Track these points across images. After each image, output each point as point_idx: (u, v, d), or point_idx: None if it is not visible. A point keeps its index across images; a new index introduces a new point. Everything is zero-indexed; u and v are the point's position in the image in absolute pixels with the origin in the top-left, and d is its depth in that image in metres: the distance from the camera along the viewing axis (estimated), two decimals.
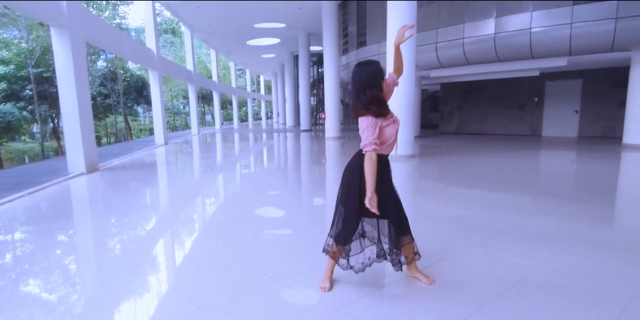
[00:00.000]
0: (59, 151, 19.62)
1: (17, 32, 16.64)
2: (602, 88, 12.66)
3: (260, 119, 50.66)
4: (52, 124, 21.01)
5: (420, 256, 2.40)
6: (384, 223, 2.28)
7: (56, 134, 21.35)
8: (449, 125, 16.89)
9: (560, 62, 9.83)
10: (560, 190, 5.36)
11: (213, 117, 42.24)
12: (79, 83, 7.05)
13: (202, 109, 42.66)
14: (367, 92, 2.08)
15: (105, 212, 4.76)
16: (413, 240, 2.36)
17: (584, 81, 13.00)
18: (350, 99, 2.27)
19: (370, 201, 2.04)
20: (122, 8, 23.08)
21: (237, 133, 21.29)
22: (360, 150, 2.17)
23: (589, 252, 2.84)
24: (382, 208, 2.12)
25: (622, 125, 10.12)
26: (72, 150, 7.28)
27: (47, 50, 17.68)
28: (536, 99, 14.16)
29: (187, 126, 38.69)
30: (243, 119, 45.11)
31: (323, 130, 17.93)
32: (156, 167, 9.04)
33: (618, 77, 11.87)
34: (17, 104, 15.95)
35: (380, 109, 2.10)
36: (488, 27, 9.73)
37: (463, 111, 16.35)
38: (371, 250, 2.34)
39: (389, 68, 2.54)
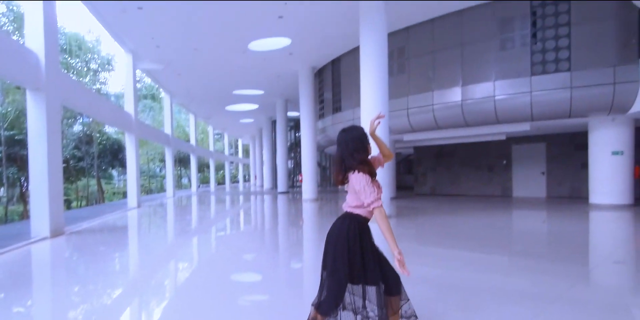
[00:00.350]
0: (24, 215, 18.69)
1: None
2: (565, 151, 13.34)
3: (237, 181, 50.42)
4: (19, 188, 20.21)
5: (417, 318, 2.24)
6: (372, 289, 2.15)
7: (24, 197, 20.45)
8: (423, 187, 17.16)
9: (524, 127, 10.41)
10: (535, 249, 5.37)
11: (189, 180, 41.85)
12: (51, 145, 6.93)
13: (179, 172, 42.31)
14: (355, 155, 2.11)
15: (67, 279, 4.40)
16: (408, 300, 2.23)
17: (547, 145, 13.70)
18: (333, 165, 2.27)
19: (399, 261, 1.98)
20: (103, 74, 23.71)
21: (214, 195, 20.96)
22: (344, 214, 2.14)
23: (570, 311, 2.77)
24: (365, 274, 2.05)
25: (587, 185, 10.52)
26: (37, 214, 6.92)
27: (22, 113, 17.59)
28: (504, 162, 14.72)
29: (162, 189, 37.92)
30: (220, 182, 44.75)
31: (300, 192, 17.90)
32: (126, 231, 8.64)
33: (579, 141, 12.57)
34: None
35: (371, 168, 2.12)
36: (455, 94, 10.38)
37: (436, 173, 16.76)
38: None
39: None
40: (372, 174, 2.13)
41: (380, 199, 2.07)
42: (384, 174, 8.27)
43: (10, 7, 16.75)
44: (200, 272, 4.60)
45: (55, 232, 7.06)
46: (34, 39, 6.71)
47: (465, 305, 2.96)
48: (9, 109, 17.33)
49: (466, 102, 10.19)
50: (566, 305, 2.89)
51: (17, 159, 17.76)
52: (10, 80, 6.98)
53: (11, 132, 17.10)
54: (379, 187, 2.15)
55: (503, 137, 12.08)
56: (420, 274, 4.01)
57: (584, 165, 11.32)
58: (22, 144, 17.15)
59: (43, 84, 6.74)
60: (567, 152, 13.30)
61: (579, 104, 9.05)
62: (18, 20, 15.96)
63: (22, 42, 6.88)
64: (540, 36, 9.37)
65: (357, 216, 2.16)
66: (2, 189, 19.24)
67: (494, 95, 9.75)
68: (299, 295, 2.98)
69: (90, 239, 7.14)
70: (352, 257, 2.05)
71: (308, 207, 12.39)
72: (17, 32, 16.53)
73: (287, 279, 4.25)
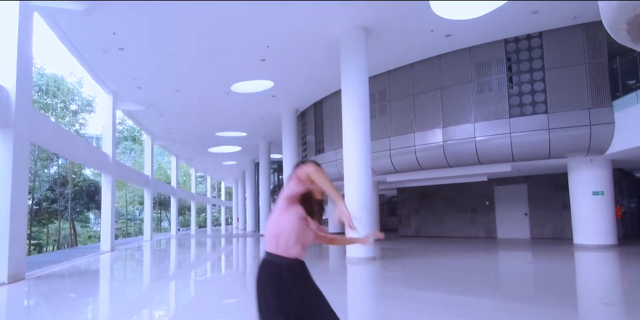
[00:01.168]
0: None
1: None
2: (545, 192, 13.40)
3: (219, 224, 49.17)
4: None
5: None
6: None
7: None
8: (407, 228, 16.87)
9: (505, 168, 10.45)
10: (522, 292, 5.18)
11: (170, 223, 40.65)
12: (15, 185, 6.57)
13: (159, 215, 41.16)
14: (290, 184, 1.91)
15: None
16: None
17: (528, 186, 13.77)
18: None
19: (342, 214, 1.69)
20: (83, 115, 23.48)
21: (194, 238, 20.19)
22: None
23: None
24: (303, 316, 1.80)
25: (569, 226, 10.44)
26: None
27: None
28: (487, 203, 14.67)
29: (141, 232, 36.60)
30: (202, 225, 43.54)
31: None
32: (95, 276, 8.06)
33: (559, 182, 12.67)
34: None
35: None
36: (436, 136, 10.46)
37: (420, 214, 16.56)
38: None
39: None
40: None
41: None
42: (367, 213, 8.09)
43: None
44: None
45: (15, 278, 6.53)
46: (5, 74, 6.55)
47: None
48: None
49: (447, 143, 10.25)
50: None
51: None
52: None
53: None
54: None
55: (485, 179, 12.11)
56: None
57: (565, 206, 11.31)
58: None
59: (12, 120, 6.50)
60: (548, 193, 13.35)
61: (557, 144, 9.17)
62: None
63: None
64: (516, 80, 9.69)
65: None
66: None
67: (475, 136, 9.85)
68: None
69: (53, 284, 6.62)
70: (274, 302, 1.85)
71: None
72: None
73: None
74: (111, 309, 5.02)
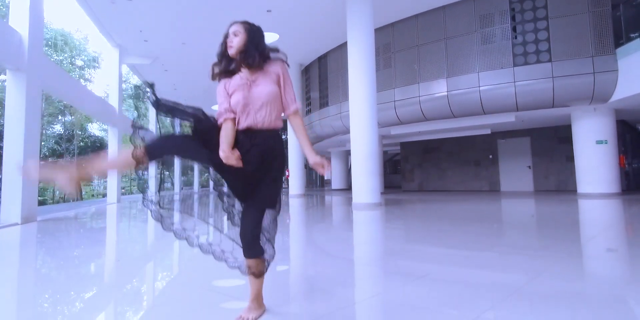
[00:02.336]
0: None
1: None
2: (549, 145, 13.55)
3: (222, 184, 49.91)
4: None
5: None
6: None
7: None
8: (411, 183, 17.22)
9: (509, 118, 10.54)
10: (522, 231, 5.35)
11: (172, 184, 41.17)
12: (28, 128, 6.74)
13: (161, 175, 41.61)
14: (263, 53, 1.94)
15: (36, 259, 4.24)
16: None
17: (532, 139, 13.91)
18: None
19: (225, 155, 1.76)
20: (89, 70, 23.29)
21: (197, 195, 20.67)
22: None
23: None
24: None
25: (573, 178, 10.68)
26: (9, 198, 6.69)
27: None
28: (490, 156, 14.88)
29: (144, 192, 37.20)
30: (204, 185, 44.19)
31: (284, 191, 17.79)
32: (103, 219, 8.42)
33: (562, 134, 12.79)
34: None
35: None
36: (440, 86, 10.47)
37: (423, 169, 16.84)
38: None
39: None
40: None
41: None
42: (373, 160, 8.30)
43: None
44: (180, 275, 4.47)
45: (27, 219, 6.85)
46: (18, 18, 6.55)
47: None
48: None
49: (452, 93, 10.28)
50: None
51: None
52: None
53: None
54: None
55: (488, 131, 12.23)
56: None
57: (569, 158, 11.50)
58: None
59: (25, 65, 6.56)
60: (552, 146, 13.50)
61: (561, 93, 9.21)
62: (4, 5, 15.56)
63: (5, 21, 6.66)
64: (520, 30, 9.60)
65: None
66: None
67: (479, 86, 9.86)
68: (286, 300, 2.39)
69: (65, 225, 6.95)
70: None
71: (295, 202, 12.27)
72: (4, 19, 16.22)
73: (272, 281, 4.09)
74: (121, 241, 5.35)
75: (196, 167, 32.48)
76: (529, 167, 14.04)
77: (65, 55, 20.54)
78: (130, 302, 2.48)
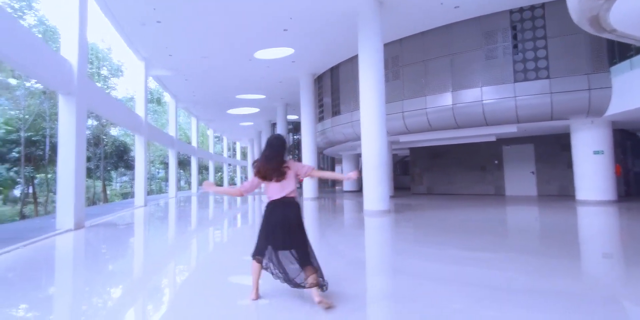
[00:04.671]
0: (36, 212, 19.57)
1: (5, 101, 17.47)
2: (551, 151, 14.15)
3: (234, 184, 51.11)
4: (31, 187, 20.98)
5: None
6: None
7: (34, 195, 21.57)
8: (419, 186, 17.91)
9: (511, 129, 11.20)
10: (526, 240, 6.04)
11: (187, 182, 42.50)
12: (78, 146, 7.64)
13: (178, 174, 42.89)
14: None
15: (93, 263, 5.12)
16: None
17: (535, 145, 14.52)
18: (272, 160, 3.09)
19: (348, 177, 3.24)
20: (113, 80, 24.46)
21: (214, 196, 21.61)
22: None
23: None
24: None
25: (573, 184, 11.30)
26: (63, 208, 7.58)
27: (38, 117, 18.63)
28: (496, 162, 15.51)
29: (160, 191, 38.61)
30: (218, 184, 45.35)
31: (298, 192, 18.57)
32: (140, 224, 9.33)
33: (564, 142, 13.31)
34: (3, 166, 16.38)
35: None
36: (446, 99, 11.17)
37: (432, 173, 17.52)
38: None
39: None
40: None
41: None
42: (382, 170, 9.05)
43: (42, 19, 17.63)
44: (217, 252, 5.29)
45: (78, 225, 7.71)
46: (68, 48, 7.46)
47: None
48: (26, 116, 18.18)
49: (456, 106, 10.97)
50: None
51: (33, 158, 18.69)
52: (46, 84, 7.73)
53: (28, 134, 18.04)
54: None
55: (493, 139, 12.86)
56: (425, 271, 4.68)
57: (570, 164, 12.08)
58: (38, 144, 18.30)
59: (75, 89, 7.46)
60: (554, 153, 14.10)
61: (559, 107, 9.86)
62: (48, 33, 16.73)
63: (57, 52, 7.57)
64: (520, 47, 10.26)
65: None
66: (19, 188, 20.06)
67: (482, 99, 10.55)
68: (301, 300, 3.03)
69: (111, 230, 7.86)
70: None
71: (308, 205, 13.08)
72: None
73: None
74: (163, 248, 6.21)
75: (211, 166, 33.62)
76: (533, 172, 14.65)
77: (93, 66, 21.62)
78: (156, 296, 3.30)
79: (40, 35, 17.56)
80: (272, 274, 2.97)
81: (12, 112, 18.49)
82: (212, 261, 4.87)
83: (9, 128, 18.15)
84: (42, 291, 3.66)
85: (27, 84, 18.13)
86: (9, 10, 11.38)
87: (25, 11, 16.65)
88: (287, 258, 2.90)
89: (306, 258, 2.88)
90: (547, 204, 10.97)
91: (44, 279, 4.24)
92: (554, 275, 3.62)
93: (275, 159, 3.03)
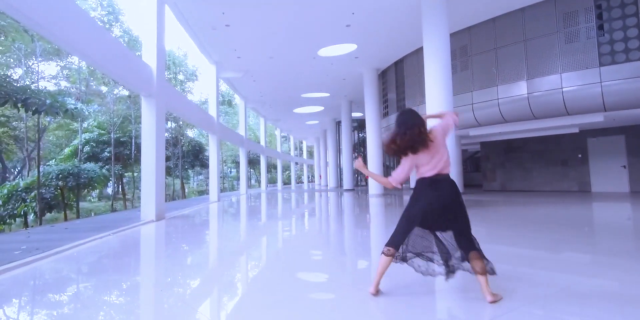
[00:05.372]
0: (125, 207, 21.78)
1: (97, 106, 19.46)
2: None
3: (302, 182, 52.16)
4: (120, 184, 23.32)
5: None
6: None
7: (123, 192, 24.09)
8: (492, 183, 17.01)
9: (597, 118, 10.21)
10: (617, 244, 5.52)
11: (257, 181, 44.13)
12: (158, 144, 8.28)
13: (248, 172, 44.75)
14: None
15: (175, 247, 5.51)
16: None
17: (627, 137, 13.12)
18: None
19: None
20: (189, 84, 26.21)
21: (282, 193, 22.24)
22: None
23: None
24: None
25: None
26: (146, 201, 8.31)
27: (125, 119, 20.66)
28: (580, 155, 14.27)
29: (232, 188, 40.56)
30: (286, 182, 46.65)
31: (364, 190, 18.54)
32: (214, 216, 9.92)
33: None
34: (97, 164, 18.48)
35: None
36: (520, 88, 10.47)
37: (506, 169, 16.55)
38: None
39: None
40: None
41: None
42: (453, 170, 8.71)
43: (127, 30, 19.59)
44: (271, 266, 5.44)
45: (159, 217, 8.41)
46: (148, 54, 8.12)
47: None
48: (113, 116, 20.20)
49: (532, 95, 10.24)
50: None
51: (121, 158, 20.77)
52: (131, 87, 8.49)
53: (117, 135, 20.08)
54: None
55: (576, 130, 11.83)
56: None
57: None
58: (125, 144, 20.33)
59: (155, 91, 8.10)
60: None
61: None
62: (132, 42, 18.46)
63: (140, 58, 8.29)
64: (607, 28, 9.28)
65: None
66: (111, 183, 22.58)
67: (562, 87, 9.74)
68: (364, 295, 2.88)
69: (184, 222, 8.42)
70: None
71: (375, 201, 12.96)
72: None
73: (352, 278, 3.55)
74: (228, 244, 6.51)
75: (279, 164, 34.62)
76: (624, 166, 13.26)
77: (170, 71, 23.31)
78: (228, 290, 3.41)
79: (125, 45, 19.43)
80: (414, 267, 2.80)
81: (103, 117, 20.62)
82: (285, 253, 5.02)
83: (102, 131, 20.26)
84: (128, 268, 4.04)
85: (115, 91, 20.02)
86: (99, 23, 12.70)
87: (112, 24, 18.36)
88: (448, 242, 2.71)
89: (471, 243, 2.64)
90: None
91: (132, 258, 4.66)
92: None
93: (415, 126, 2.64)
